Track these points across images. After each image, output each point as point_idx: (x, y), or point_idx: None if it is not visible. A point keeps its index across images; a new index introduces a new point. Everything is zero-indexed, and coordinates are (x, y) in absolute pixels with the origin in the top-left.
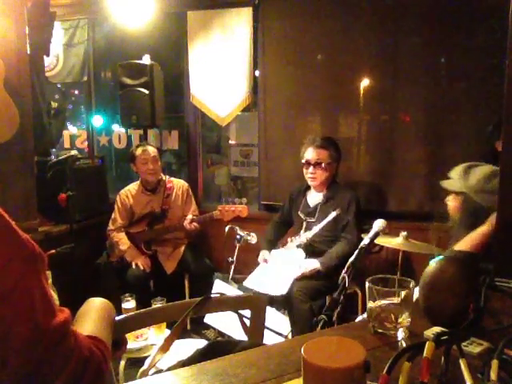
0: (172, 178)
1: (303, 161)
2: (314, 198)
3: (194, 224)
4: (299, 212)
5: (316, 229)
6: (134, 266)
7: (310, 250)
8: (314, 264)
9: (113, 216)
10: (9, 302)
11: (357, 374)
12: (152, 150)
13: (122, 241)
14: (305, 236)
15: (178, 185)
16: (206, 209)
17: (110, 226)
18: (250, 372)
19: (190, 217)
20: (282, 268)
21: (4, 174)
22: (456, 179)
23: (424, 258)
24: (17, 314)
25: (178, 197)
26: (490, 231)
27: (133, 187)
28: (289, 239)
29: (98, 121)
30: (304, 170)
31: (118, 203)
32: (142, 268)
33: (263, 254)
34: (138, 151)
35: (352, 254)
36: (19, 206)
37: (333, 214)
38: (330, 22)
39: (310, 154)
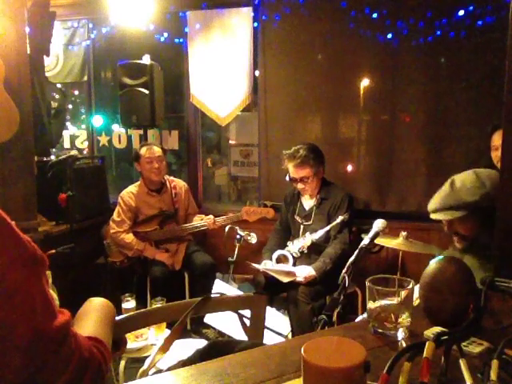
0: (172, 178)
1: (289, 175)
2: (309, 200)
3: (217, 223)
4: (296, 216)
5: (321, 232)
6: (164, 260)
7: (315, 249)
8: (309, 271)
9: (117, 218)
10: (10, 304)
11: (357, 374)
12: (157, 150)
13: (135, 241)
14: (310, 238)
15: (179, 185)
16: (206, 209)
17: (116, 228)
18: (249, 372)
19: (211, 216)
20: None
21: (4, 174)
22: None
23: (424, 258)
24: (18, 317)
25: (181, 196)
26: None
27: (134, 189)
28: (289, 242)
29: (97, 121)
30: (292, 183)
31: (122, 205)
32: (170, 267)
33: (265, 263)
34: (143, 150)
35: (344, 252)
36: (19, 206)
37: (340, 218)
38: (329, 22)
39: (292, 172)
